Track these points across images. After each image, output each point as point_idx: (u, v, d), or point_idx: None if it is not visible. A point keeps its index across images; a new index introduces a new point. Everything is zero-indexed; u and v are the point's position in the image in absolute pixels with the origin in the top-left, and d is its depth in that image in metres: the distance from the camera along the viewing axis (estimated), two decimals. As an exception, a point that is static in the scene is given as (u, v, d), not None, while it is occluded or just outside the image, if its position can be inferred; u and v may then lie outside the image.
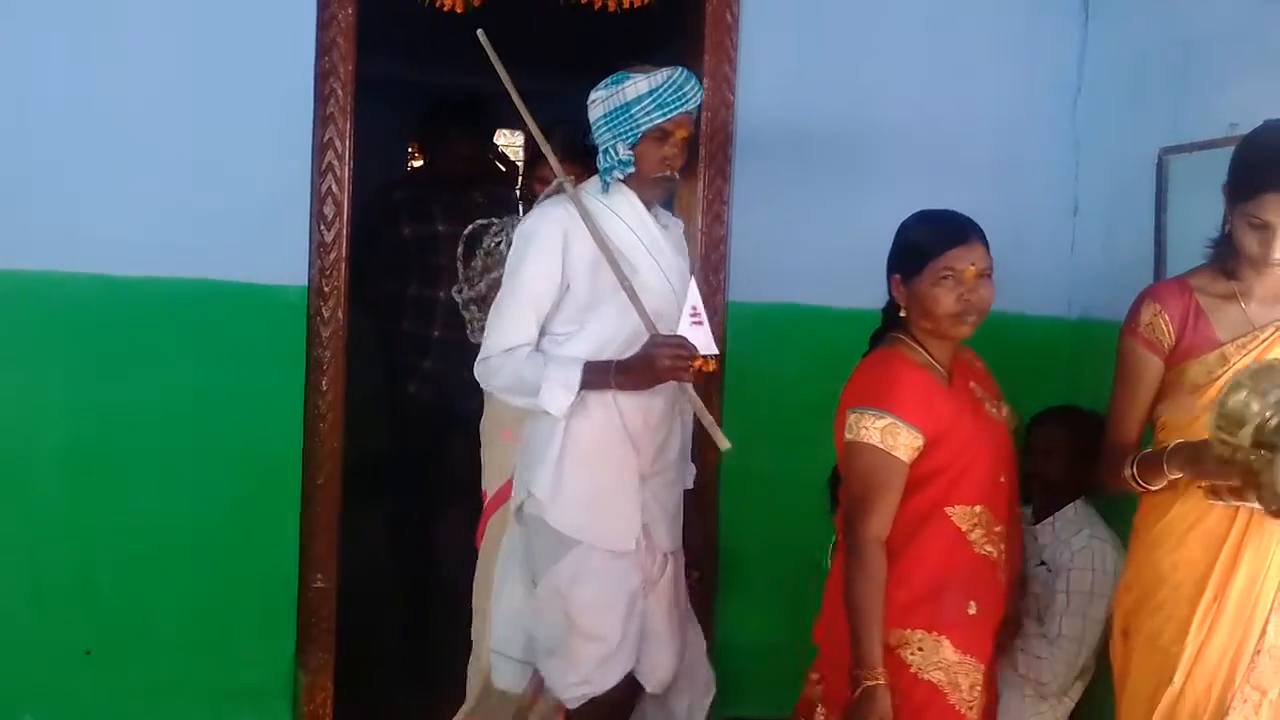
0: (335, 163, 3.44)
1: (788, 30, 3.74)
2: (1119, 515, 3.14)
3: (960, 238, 2.69)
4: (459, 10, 3.47)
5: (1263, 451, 2.31)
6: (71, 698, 3.30)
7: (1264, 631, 2.54)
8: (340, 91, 3.44)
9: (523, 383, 2.82)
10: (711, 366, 2.77)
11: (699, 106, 2.84)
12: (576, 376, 2.79)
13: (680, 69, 2.86)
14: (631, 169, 2.87)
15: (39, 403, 3.26)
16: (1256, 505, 2.40)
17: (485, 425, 3.36)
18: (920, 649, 2.65)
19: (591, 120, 2.91)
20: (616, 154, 2.86)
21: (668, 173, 2.90)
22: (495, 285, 3.05)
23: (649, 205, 2.95)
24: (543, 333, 2.89)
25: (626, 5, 3.60)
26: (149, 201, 3.28)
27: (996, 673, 2.84)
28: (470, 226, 3.37)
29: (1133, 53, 3.75)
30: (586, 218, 2.83)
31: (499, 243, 3.27)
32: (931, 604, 2.67)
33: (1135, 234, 3.60)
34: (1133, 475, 2.64)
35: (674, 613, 3.01)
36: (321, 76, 3.42)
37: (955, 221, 2.74)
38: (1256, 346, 2.56)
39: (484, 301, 3.19)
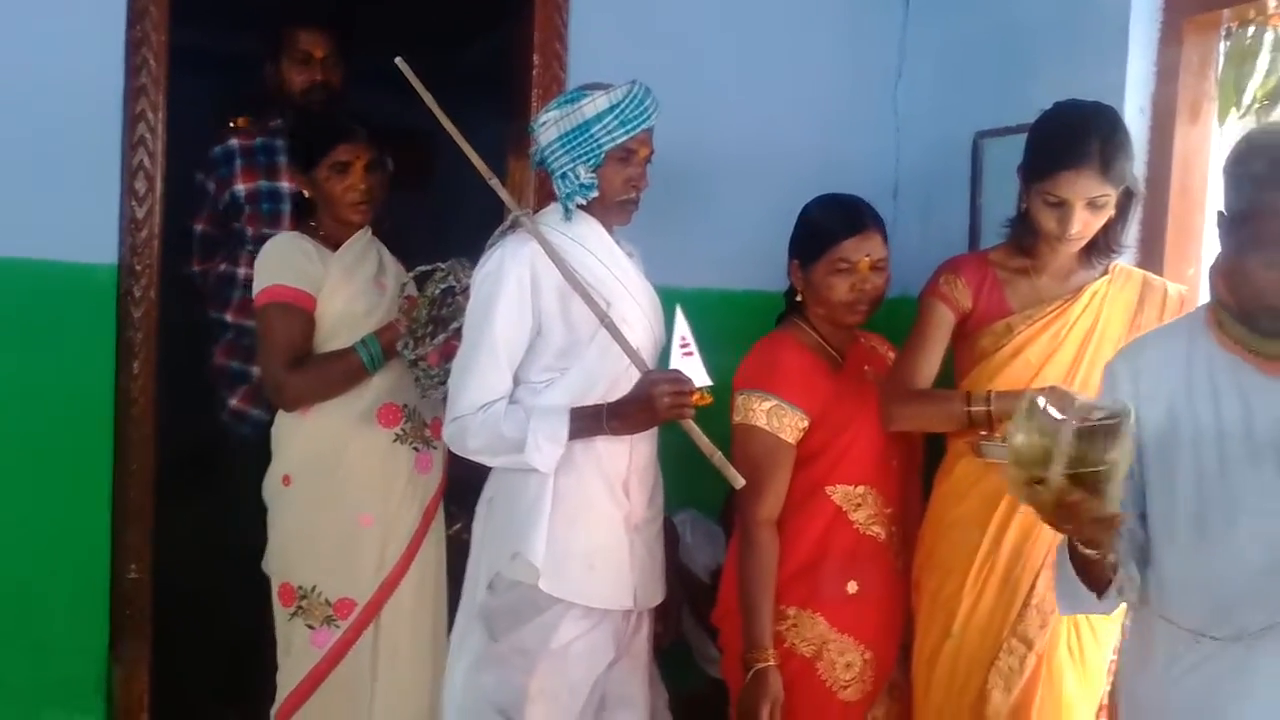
0: (148, 136, 3.32)
1: (617, 10, 3.73)
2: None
3: (857, 227, 2.73)
4: (278, -21, 3.39)
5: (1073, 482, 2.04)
6: None
7: (1033, 586, 2.65)
8: (153, 62, 3.31)
9: (503, 440, 2.57)
10: (708, 400, 2.49)
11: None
12: (564, 427, 2.55)
13: (638, 83, 2.64)
14: (595, 193, 2.64)
15: None
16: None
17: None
18: (795, 625, 2.69)
19: (543, 143, 2.65)
20: (578, 178, 2.62)
21: (633, 194, 2.68)
22: (452, 340, 2.83)
23: (611, 231, 2.73)
24: (516, 382, 2.64)
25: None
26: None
27: (895, 657, 2.80)
28: (411, 273, 2.99)
29: (952, 39, 3.86)
30: (552, 252, 2.59)
31: (447, 289, 2.92)
32: (808, 581, 2.70)
33: (952, 214, 3.72)
34: (987, 410, 2.60)
35: (645, 674, 2.80)
36: (133, 46, 3.29)
37: (854, 210, 2.77)
38: (1042, 318, 2.68)
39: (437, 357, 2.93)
